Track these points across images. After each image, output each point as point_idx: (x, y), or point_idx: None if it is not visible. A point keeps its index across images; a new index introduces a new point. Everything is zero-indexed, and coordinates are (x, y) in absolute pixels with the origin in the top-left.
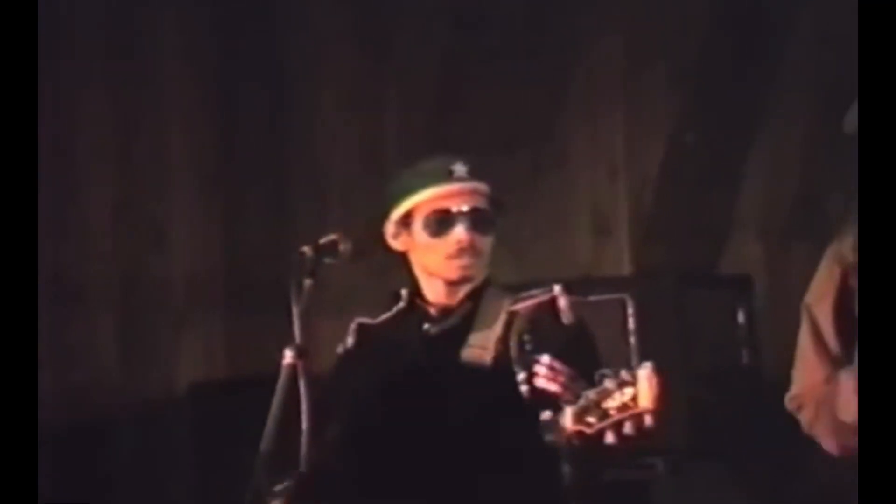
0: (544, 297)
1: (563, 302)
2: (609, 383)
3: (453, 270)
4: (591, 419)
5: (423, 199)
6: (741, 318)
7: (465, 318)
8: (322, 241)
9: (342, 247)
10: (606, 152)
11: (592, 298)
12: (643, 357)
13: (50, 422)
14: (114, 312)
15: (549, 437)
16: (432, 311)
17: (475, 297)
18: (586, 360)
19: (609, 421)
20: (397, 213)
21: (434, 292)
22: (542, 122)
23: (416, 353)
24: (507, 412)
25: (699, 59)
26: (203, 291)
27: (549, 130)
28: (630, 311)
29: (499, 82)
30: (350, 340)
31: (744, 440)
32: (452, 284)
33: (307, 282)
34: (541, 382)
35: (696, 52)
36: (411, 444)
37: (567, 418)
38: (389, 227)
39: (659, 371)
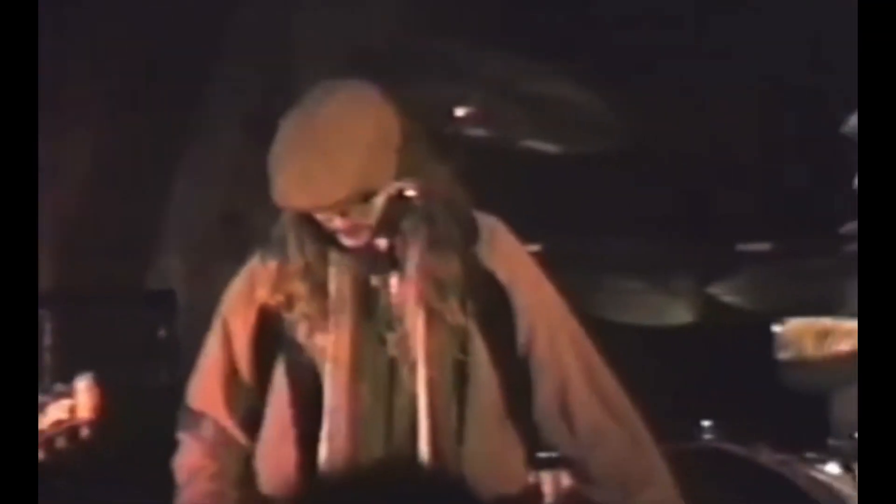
0: None
1: None
2: (41, 399)
3: None
4: None
5: None
6: (162, 333)
7: None
8: None
9: None
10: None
11: None
12: (60, 375)
13: None
14: None
15: None
16: None
17: None
18: None
19: (41, 438)
20: None
21: None
22: None
23: None
24: None
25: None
26: None
27: None
28: (46, 327)
29: None
30: None
31: None
32: None
33: None
34: None
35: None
36: None
37: None
38: None
39: (99, 382)
